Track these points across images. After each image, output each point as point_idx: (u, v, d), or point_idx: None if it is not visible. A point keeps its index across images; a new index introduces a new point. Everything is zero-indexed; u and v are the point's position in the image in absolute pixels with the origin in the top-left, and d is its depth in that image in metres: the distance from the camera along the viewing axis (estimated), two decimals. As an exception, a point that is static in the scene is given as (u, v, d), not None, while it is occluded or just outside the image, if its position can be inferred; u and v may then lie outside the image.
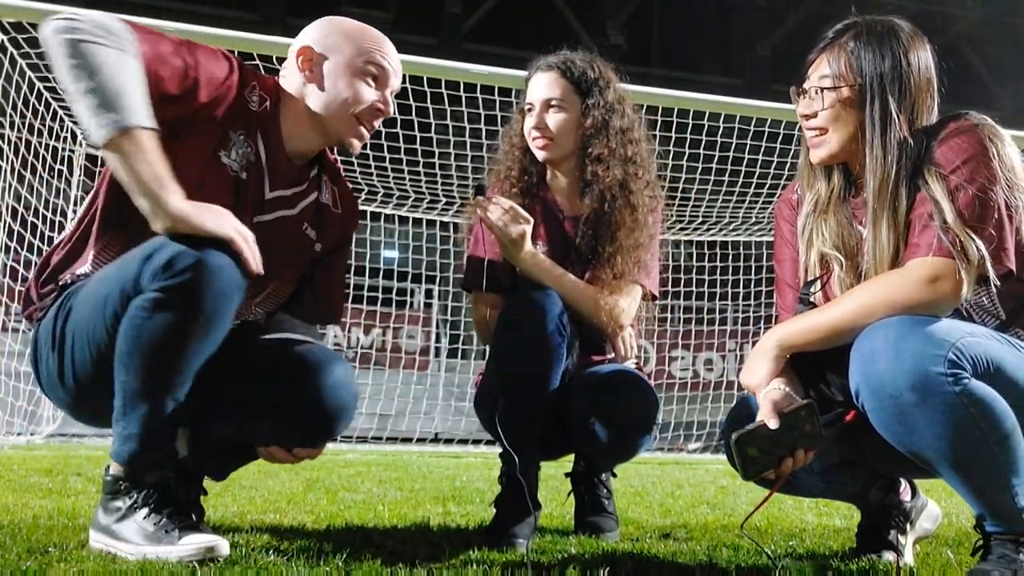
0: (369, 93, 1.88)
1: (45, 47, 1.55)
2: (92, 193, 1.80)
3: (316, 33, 1.90)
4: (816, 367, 1.63)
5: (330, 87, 1.86)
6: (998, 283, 1.49)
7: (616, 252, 2.13)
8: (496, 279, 2.20)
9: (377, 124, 1.94)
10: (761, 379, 1.59)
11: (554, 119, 2.19)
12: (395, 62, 1.93)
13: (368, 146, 2.05)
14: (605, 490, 2.28)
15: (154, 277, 1.51)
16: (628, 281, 2.14)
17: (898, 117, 1.56)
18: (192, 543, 1.55)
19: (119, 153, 1.51)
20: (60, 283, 1.73)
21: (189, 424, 1.81)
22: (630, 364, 2.26)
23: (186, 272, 1.50)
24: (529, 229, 2.02)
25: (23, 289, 1.79)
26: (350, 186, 2.10)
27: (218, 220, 1.56)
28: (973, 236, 1.47)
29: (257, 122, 1.83)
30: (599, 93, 2.21)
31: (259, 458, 1.88)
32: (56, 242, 1.80)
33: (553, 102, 2.20)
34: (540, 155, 2.22)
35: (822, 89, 1.62)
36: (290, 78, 1.89)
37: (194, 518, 1.64)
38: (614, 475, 2.37)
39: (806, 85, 1.66)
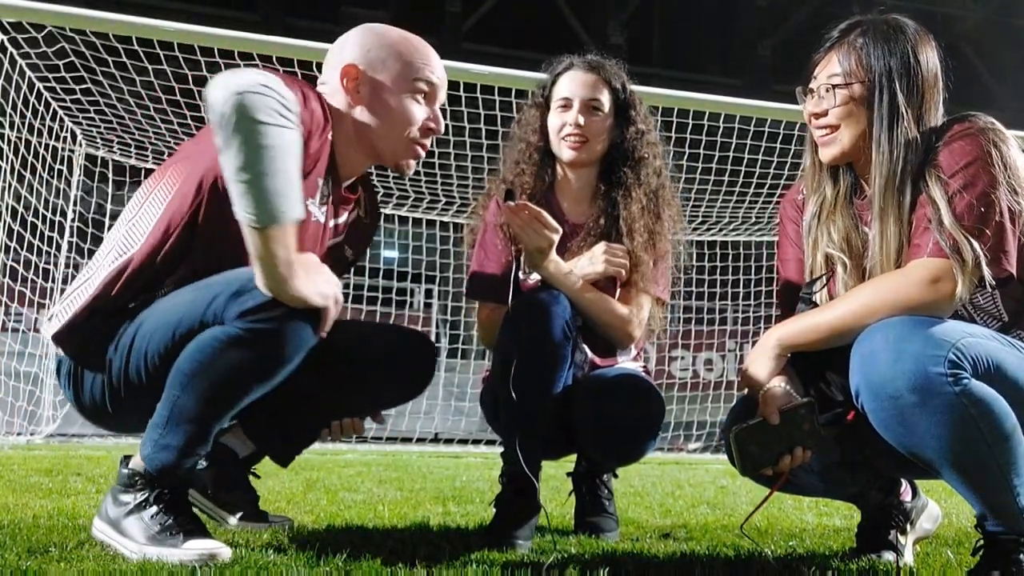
0: (420, 112, 1.80)
1: (216, 111, 1.43)
2: (162, 224, 1.68)
3: (358, 49, 1.79)
4: (816, 366, 1.63)
5: (380, 110, 1.78)
6: (993, 282, 1.49)
7: (637, 263, 2.14)
8: (500, 288, 2.17)
9: (429, 142, 1.86)
10: (761, 378, 1.59)
11: (594, 121, 2.17)
12: (442, 73, 1.85)
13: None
14: (606, 490, 2.28)
15: (239, 316, 1.52)
16: (642, 291, 2.14)
17: (906, 113, 1.56)
18: (195, 548, 1.55)
19: (266, 236, 1.46)
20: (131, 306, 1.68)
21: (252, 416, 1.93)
22: (637, 367, 2.25)
23: (272, 322, 1.52)
24: (557, 238, 2.00)
25: (52, 323, 1.69)
26: (373, 190, 2.09)
27: (323, 297, 1.55)
28: (970, 238, 1.47)
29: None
30: (636, 105, 2.22)
31: (320, 440, 2.07)
32: (102, 279, 1.68)
33: (595, 104, 2.17)
34: (568, 155, 2.17)
35: (833, 86, 1.61)
36: (333, 97, 1.80)
37: (201, 522, 1.65)
38: (615, 475, 2.37)
39: (814, 84, 1.65)
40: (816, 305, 1.67)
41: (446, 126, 6.17)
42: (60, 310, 1.72)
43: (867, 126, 1.59)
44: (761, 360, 1.60)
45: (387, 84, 1.78)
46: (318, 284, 1.55)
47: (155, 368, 1.62)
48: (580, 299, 2.06)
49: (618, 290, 2.15)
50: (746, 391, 1.67)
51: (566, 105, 2.18)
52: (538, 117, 2.24)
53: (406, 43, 1.82)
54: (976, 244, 1.46)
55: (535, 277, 2.15)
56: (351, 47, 1.81)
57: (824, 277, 1.70)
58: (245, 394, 1.60)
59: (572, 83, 2.19)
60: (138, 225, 1.71)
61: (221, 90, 1.44)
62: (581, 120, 2.15)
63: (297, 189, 1.50)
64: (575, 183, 2.24)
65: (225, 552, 1.56)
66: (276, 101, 1.46)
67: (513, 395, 1.94)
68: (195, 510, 1.72)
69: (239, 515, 2.06)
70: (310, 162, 1.66)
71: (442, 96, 1.85)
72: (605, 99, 2.19)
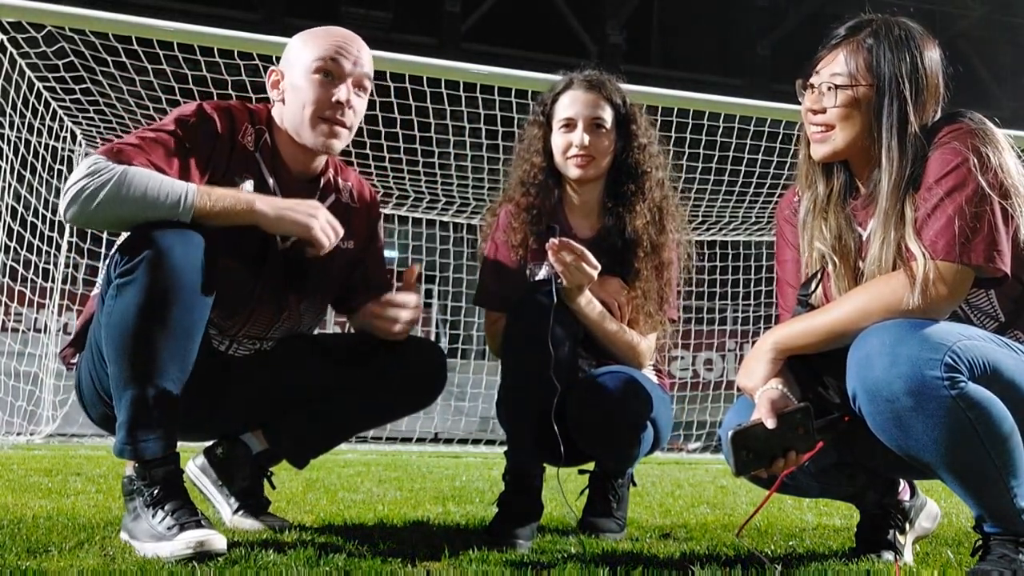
0: (323, 90, 1.88)
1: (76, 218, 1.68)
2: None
3: (283, 56, 1.96)
4: (813, 369, 1.63)
5: (291, 98, 1.91)
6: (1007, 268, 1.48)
7: (642, 270, 2.17)
8: (508, 297, 2.19)
9: (348, 118, 1.91)
10: (757, 381, 1.59)
11: (598, 139, 2.19)
12: (353, 53, 1.91)
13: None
14: (616, 494, 2.30)
15: (116, 266, 1.64)
16: (657, 320, 2.18)
17: (913, 119, 1.55)
18: (184, 539, 1.58)
19: (205, 213, 1.69)
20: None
21: (265, 422, 2.08)
22: (648, 371, 2.26)
23: (136, 255, 1.62)
24: (595, 275, 2.03)
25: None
26: (360, 178, 2.18)
27: (294, 214, 1.77)
28: (925, 252, 1.47)
29: (256, 159, 1.91)
30: (635, 118, 2.25)
31: (338, 444, 2.22)
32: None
33: (599, 122, 2.20)
34: (575, 173, 2.21)
35: (836, 86, 1.59)
36: (274, 104, 1.97)
37: (200, 514, 1.67)
38: (634, 484, 2.39)
39: (816, 80, 1.63)
40: (812, 307, 1.67)
41: (446, 126, 6.23)
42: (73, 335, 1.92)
43: (865, 129, 1.58)
44: (758, 363, 1.60)
45: (296, 74, 1.91)
46: (294, 209, 1.79)
47: (104, 356, 1.72)
48: (600, 329, 2.13)
49: (639, 312, 2.19)
50: (743, 393, 1.67)
51: (569, 125, 2.21)
52: (541, 137, 2.27)
53: (313, 35, 1.94)
54: (928, 260, 1.46)
55: (541, 275, 2.19)
56: (282, 57, 1.97)
57: (818, 276, 1.69)
58: (153, 337, 1.63)
59: (574, 103, 2.22)
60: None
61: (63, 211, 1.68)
62: (587, 140, 2.18)
63: (171, 180, 1.70)
64: (582, 199, 2.27)
65: (215, 539, 1.58)
66: (80, 181, 1.65)
67: (512, 381, 2.01)
68: (199, 497, 1.80)
69: (236, 507, 2.08)
70: (212, 171, 1.82)
71: (356, 72, 1.91)
72: (607, 116, 2.21)
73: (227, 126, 1.87)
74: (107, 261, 1.73)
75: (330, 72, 1.88)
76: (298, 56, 1.91)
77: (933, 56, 1.60)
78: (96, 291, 1.89)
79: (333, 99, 1.88)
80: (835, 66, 1.61)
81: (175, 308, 1.64)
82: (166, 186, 1.68)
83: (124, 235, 1.94)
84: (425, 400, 2.12)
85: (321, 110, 1.88)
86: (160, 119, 1.93)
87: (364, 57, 1.94)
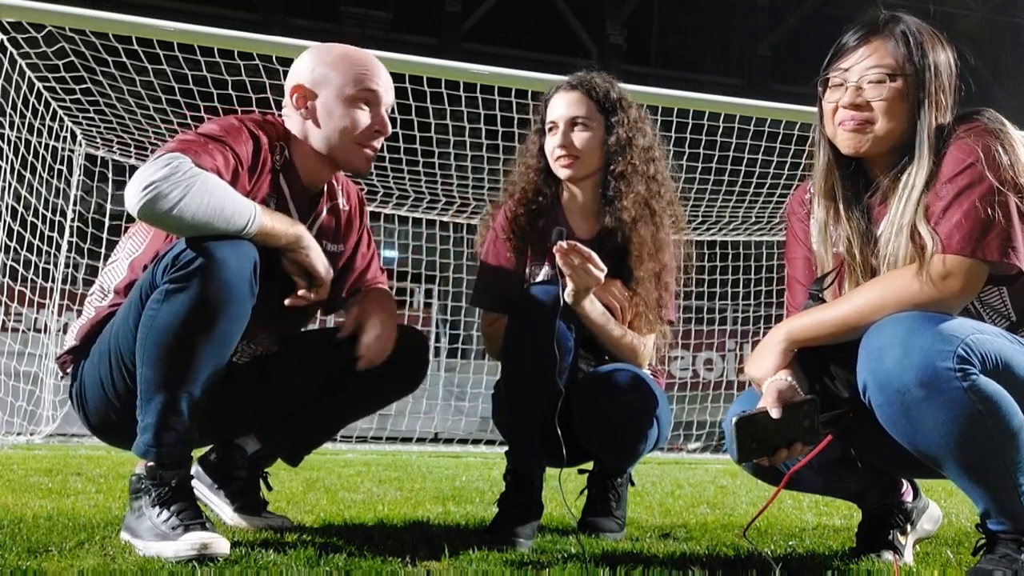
0: (364, 117, 1.95)
1: (152, 219, 1.63)
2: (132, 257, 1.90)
3: (305, 68, 1.97)
4: (822, 362, 1.63)
5: (326, 121, 1.94)
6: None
7: (641, 272, 2.17)
8: (506, 298, 2.19)
9: (379, 143, 2.00)
10: (766, 371, 1.59)
11: (579, 137, 2.20)
12: (384, 80, 1.99)
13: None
14: (615, 493, 2.29)
15: (165, 271, 1.64)
16: (655, 321, 2.19)
17: (948, 112, 1.57)
18: (189, 540, 1.58)
19: (263, 230, 1.73)
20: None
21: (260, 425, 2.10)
22: (645, 370, 2.27)
23: (192, 263, 1.62)
24: (602, 278, 2.03)
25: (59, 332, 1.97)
26: (345, 178, 2.20)
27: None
28: (935, 234, 1.47)
29: (278, 173, 1.93)
30: (622, 111, 2.24)
31: (331, 438, 2.24)
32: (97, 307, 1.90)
33: (578, 120, 2.21)
34: (564, 174, 2.22)
35: (888, 76, 1.57)
36: (292, 118, 1.98)
37: (204, 516, 1.68)
38: (632, 483, 2.39)
39: (853, 76, 1.60)
40: (824, 302, 1.67)
41: (446, 126, 6.23)
42: (68, 338, 1.91)
43: (917, 122, 1.57)
44: (768, 353, 1.60)
45: (331, 97, 1.94)
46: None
47: (127, 361, 1.72)
48: (603, 332, 2.14)
49: (639, 315, 2.20)
50: (751, 384, 1.67)
51: (553, 128, 2.23)
52: (537, 142, 2.30)
53: (346, 58, 1.97)
54: (937, 243, 1.46)
55: (542, 277, 2.20)
56: (298, 69, 1.98)
57: (833, 274, 1.69)
58: (196, 346, 1.64)
59: (558, 105, 2.24)
60: (111, 274, 1.91)
61: (135, 204, 1.62)
62: (565, 140, 2.20)
63: (231, 194, 1.69)
64: (580, 198, 2.28)
65: (219, 542, 1.59)
66: (158, 181, 1.60)
67: (513, 384, 2.00)
68: (198, 503, 1.77)
69: (237, 505, 2.09)
70: (254, 185, 1.85)
71: (387, 100, 2.00)
72: (590, 112, 2.22)
73: (265, 143, 1.89)
74: (153, 265, 1.70)
75: (369, 101, 1.95)
76: (331, 77, 1.93)
77: (951, 54, 1.62)
78: (96, 301, 1.89)
79: (374, 128, 1.95)
80: (875, 59, 1.59)
81: (221, 319, 1.65)
82: (238, 204, 1.69)
83: (126, 238, 1.94)
84: (410, 385, 2.14)
85: (361, 138, 1.95)
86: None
87: (391, 83, 2.01)
